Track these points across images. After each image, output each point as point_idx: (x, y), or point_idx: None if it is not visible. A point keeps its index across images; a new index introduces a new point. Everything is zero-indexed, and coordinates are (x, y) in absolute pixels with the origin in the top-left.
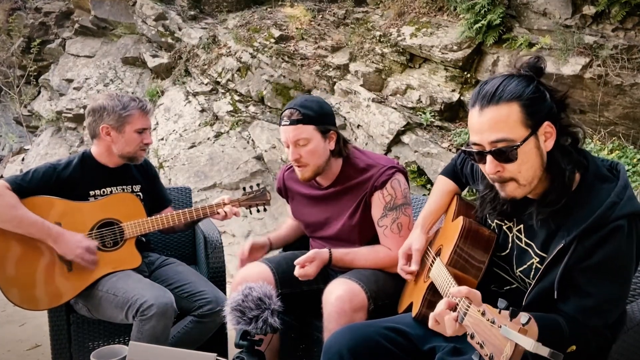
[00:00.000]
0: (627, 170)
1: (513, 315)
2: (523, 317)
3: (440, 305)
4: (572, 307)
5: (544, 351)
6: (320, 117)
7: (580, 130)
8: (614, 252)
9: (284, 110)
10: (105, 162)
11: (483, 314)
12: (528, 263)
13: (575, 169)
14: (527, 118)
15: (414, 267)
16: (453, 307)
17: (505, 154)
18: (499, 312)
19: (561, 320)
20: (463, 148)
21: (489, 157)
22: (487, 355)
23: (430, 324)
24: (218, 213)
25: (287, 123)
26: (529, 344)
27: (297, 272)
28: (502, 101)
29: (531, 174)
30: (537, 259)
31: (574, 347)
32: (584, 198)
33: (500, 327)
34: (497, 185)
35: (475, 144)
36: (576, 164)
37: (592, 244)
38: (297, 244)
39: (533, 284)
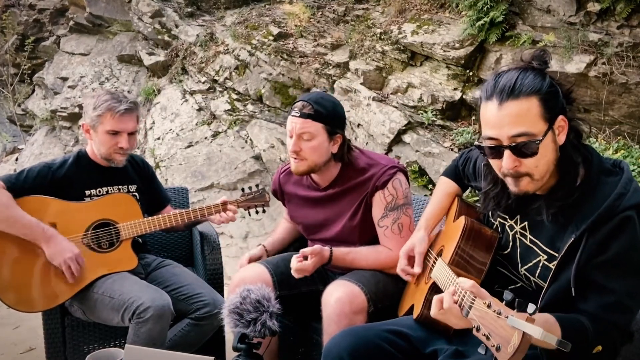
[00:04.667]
0: (633, 171)
1: (519, 307)
2: (530, 307)
3: (447, 295)
4: (593, 305)
5: (552, 339)
6: (331, 118)
7: (584, 124)
8: (629, 245)
9: (298, 101)
10: (99, 160)
11: (489, 306)
12: (534, 261)
13: (581, 163)
14: (546, 112)
15: (417, 269)
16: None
17: (526, 148)
18: (506, 305)
19: (584, 319)
20: (476, 143)
21: (507, 152)
22: (493, 346)
23: (434, 312)
24: (216, 216)
25: (297, 115)
26: (537, 332)
27: (294, 265)
28: (522, 95)
29: (546, 168)
30: (545, 257)
31: (599, 348)
32: (589, 192)
33: (507, 317)
34: (509, 180)
35: (491, 138)
36: (583, 158)
37: (604, 237)
38: (296, 244)
39: (547, 285)
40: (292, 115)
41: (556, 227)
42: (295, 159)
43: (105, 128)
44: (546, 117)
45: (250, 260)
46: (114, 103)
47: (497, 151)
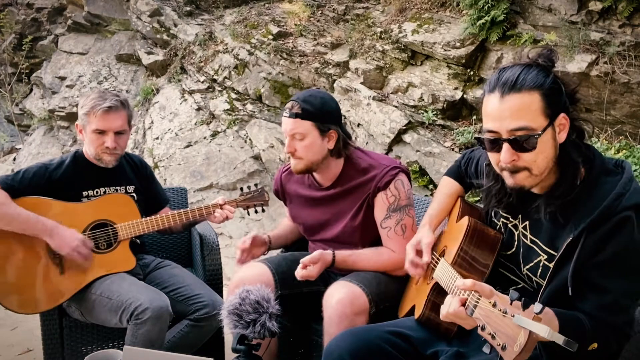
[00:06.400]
0: (635, 171)
1: (525, 306)
2: (536, 306)
3: (454, 304)
4: (590, 305)
5: (559, 338)
6: (321, 114)
7: (587, 125)
8: (626, 245)
9: (289, 101)
10: (96, 161)
11: (494, 305)
12: (535, 261)
13: (582, 162)
14: (547, 107)
15: (425, 258)
16: (464, 303)
17: (525, 142)
18: (511, 304)
19: (582, 316)
20: (476, 135)
21: (505, 145)
22: (499, 345)
23: (443, 313)
24: (214, 215)
25: (287, 115)
26: (544, 331)
27: (299, 273)
28: (524, 89)
29: (545, 164)
30: (545, 256)
31: (595, 345)
32: (589, 191)
33: (513, 316)
34: (506, 174)
35: (490, 131)
36: (584, 158)
37: (601, 237)
38: (297, 245)
39: (545, 284)
40: (284, 116)
41: (555, 226)
42: (293, 157)
43: (92, 127)
44: (547, 113)
45: (255, 239)
46: (98, 101)
47: (496, 144)
